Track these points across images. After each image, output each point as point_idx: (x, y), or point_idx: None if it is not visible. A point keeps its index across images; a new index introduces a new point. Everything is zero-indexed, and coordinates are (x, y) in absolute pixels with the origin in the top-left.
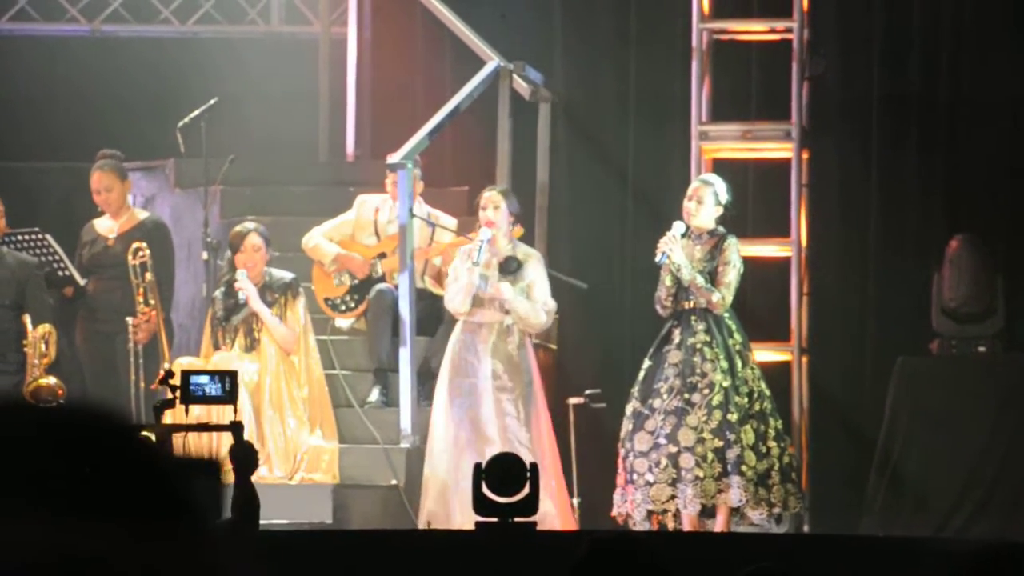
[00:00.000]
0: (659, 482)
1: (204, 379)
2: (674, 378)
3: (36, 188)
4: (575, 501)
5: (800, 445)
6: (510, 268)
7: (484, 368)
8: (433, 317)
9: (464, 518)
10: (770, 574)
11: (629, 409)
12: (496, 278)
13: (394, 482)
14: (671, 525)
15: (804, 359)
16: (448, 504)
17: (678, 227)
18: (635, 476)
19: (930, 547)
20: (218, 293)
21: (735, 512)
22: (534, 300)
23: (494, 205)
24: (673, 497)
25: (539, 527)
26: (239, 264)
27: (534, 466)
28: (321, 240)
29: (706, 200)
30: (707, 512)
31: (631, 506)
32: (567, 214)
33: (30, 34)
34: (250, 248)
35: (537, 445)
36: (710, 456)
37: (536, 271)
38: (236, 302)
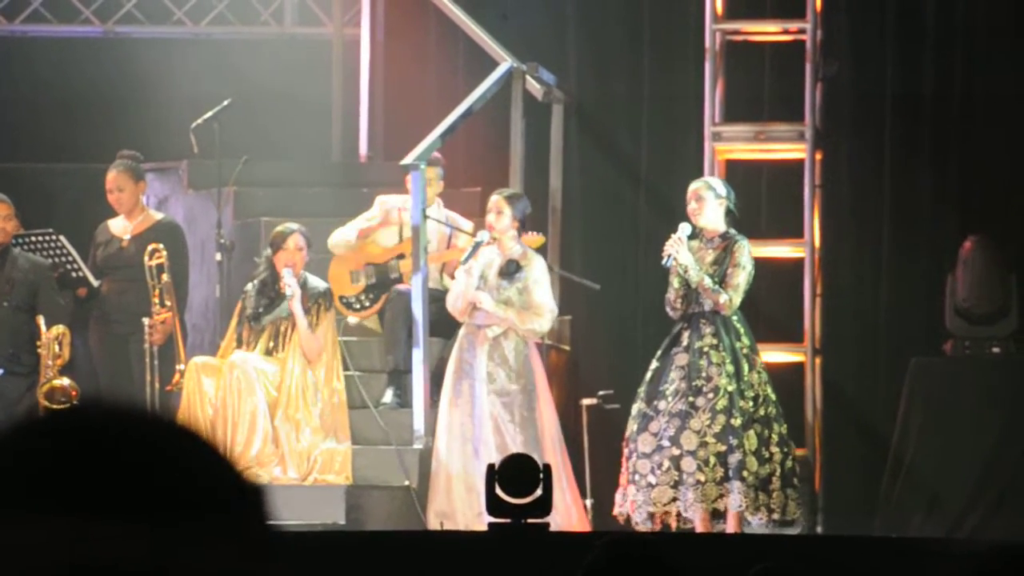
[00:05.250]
0: (661, 484)
1: None
2: (680, 381)
3: (50, 189)
4: (588, 502)
5: (813, 446)
6: (508, 270)
7: (480, 370)
8: (450, 318)
9: (466, 518)
10: (776, 574)
11: (635, 410)
12: (494, 282)
13: (407, 483)
14: (674, 526)
15: (817, 360)
16: (453, 503)
17: (684, 228)
18: (637, 477)
19: (944, 548)
20: (250, 288)
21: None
22: (529, 304)
23: (497, 210)
24: (675, 499)
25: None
26: (280, 263)
27: (547, 467)
28: (340, 232)
29: (705, 197)
30: (718, 514)
31: (632, 507)
32: (580, 215)
33: (44, 35)
34: (293, 248)
35: (539, 448)
36: (712, 460)
37: (535, 274)
38: (270, 301)
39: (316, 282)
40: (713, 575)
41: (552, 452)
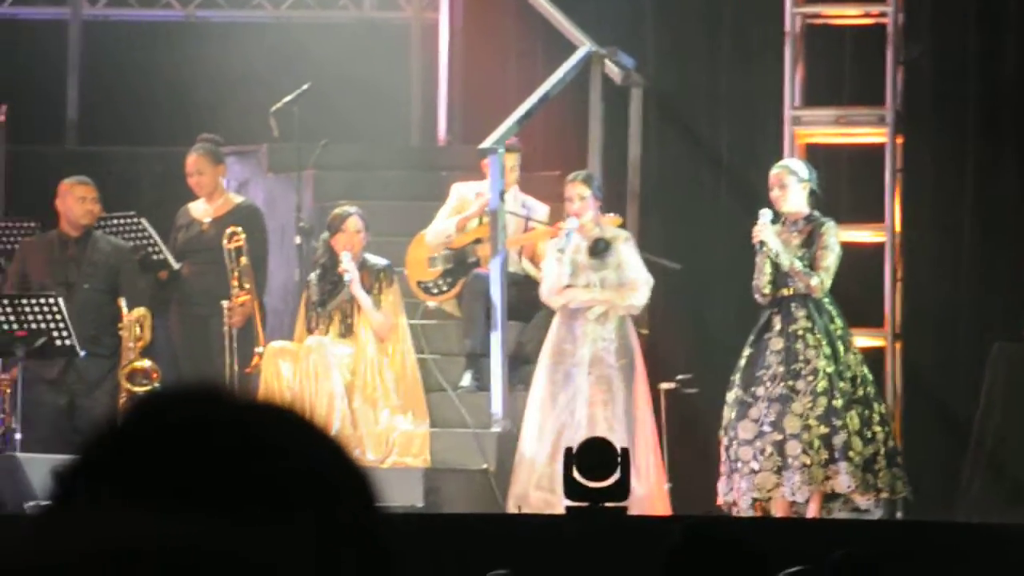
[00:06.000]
0: (764, 470)
1: None
2: (777, 365)
3: (132, 172)
4: (666, 486)
5: (894, 431)
6: (598, 249)
7: (581, 354)
8: (528, 302)
9: (550, 505)
10: (858, 560)
11: (731, 397)
12: (587, 263)
13: (485, 466)
14: (773, 512)
15: (898, 345)
16: (533, 490)
17: (765, 214)
18: (740, 464)
19: None
20: (313, 276)
21: (837, 498)
22: (624, 280)
23: (580, 196)
24: (779, 485)
25: (629, 509)
26: (339, 246)
27: (625, 451)
28: (437, 228)
29: (788, 183)
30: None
31: (737, 494)
32: (659, 197)
33: (126, 19)
34: (351, 230)
35: (635, 427)
36: (816, 443)
37: (625, 250)
38: (333, 286)
39: (375, 260)
40: (792, 559)
41: (643, 431)
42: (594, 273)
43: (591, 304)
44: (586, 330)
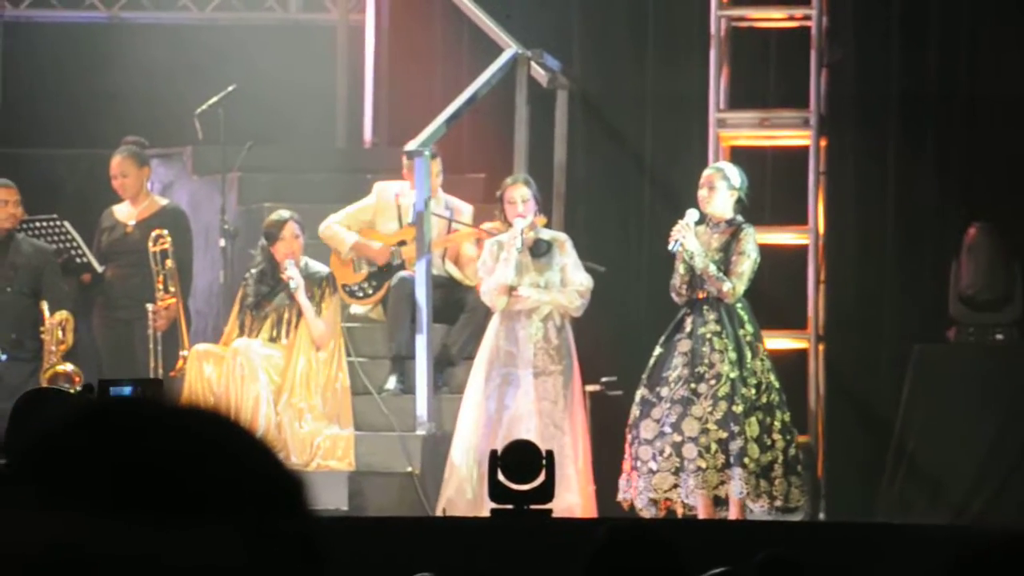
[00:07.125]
0: (662, 470)
1: (126, 390)
2: (682, 367)
3: (54, 175)
4: (591, 488)
5: (816, 433)
6: (540, 251)
7: (524, 355)
8: (453, 305)
9: (484, 508)
10: (783, 560)
11: (638, 396)
12: (529, 264)
13: (409, 469)
14: (680, 512)
15: (821, 347)
16: (467, 494)
17: (691, 215)
18: (639, 463)
19: (946, 534)
20: (249, 278)
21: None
22: (568, 282)
23: (523, 198)
24: (676, 486)
25: (558, 512)
26: (280, 253)
27: (550, 453)
28: (338, 228)
29: (718, 186)
30: (721, 501)
31: (634, 492)
32: (584, 200)
33: (49, 20)
34: (290, 236)
35: (572, 429)
36: (713, 447)
37: (568, 253)
38: (270, 289)
39: (317, 267)
40: (716, 561)
41: (577, 434)
42: (539, 275)
43: (539, 304)
44: (529, 332)
